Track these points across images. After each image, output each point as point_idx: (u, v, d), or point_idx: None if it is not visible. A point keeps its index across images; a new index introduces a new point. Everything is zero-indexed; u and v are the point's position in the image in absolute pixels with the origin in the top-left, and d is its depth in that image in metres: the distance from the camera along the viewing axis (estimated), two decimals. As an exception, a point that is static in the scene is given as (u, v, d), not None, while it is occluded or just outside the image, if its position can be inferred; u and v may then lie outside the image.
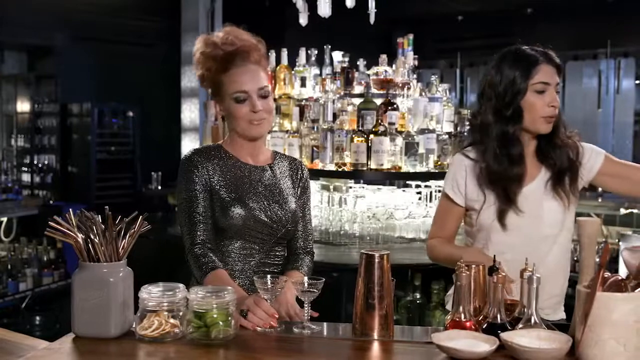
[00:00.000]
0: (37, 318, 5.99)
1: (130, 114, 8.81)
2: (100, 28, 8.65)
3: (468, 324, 1.81)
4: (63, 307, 6.05)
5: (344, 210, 3.94)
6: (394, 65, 4.16)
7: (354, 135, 3.76)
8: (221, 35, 2.25)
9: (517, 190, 2.25)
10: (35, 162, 8.61)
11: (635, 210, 5.94)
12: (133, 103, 8.78)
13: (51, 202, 7.91)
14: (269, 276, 1.97)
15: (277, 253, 2.36)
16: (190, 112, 7.80)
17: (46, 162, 8.62)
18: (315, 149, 3.93)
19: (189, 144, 7.71)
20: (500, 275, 1.79)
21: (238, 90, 2.22)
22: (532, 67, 2.21)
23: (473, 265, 1.92)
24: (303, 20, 4.67)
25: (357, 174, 3.80)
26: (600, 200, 6.47)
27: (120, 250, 1.84)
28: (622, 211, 5.99)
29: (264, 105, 2.24)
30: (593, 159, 2.32)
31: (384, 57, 4.10)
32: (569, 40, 10.39)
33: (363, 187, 4.15)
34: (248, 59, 2.24)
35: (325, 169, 3.85)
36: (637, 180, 2.31)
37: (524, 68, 2.21)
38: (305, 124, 4.03)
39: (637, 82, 10.40)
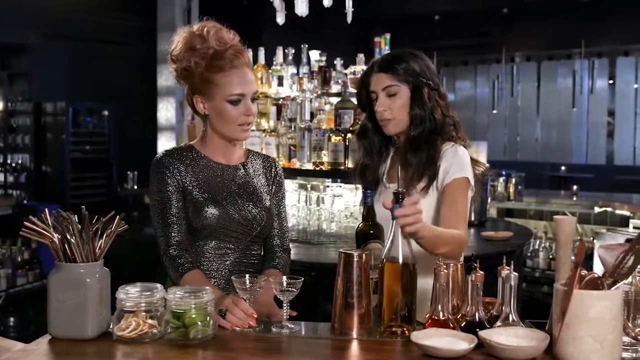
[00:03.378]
0: (11, 319, 5.93)
1: (105, 112, 8.74)
2: (74, 26, 8.58)
3: (447, 322, 1.82)
4: (38, 307, 5.99)
5: (322, 209, 3.93)
6: (371, 65, 4.15)
7: (331, 134, 3.76)
8: (207, 30, 2.19)
9: (369, 179, 2.40)
10: (9, 161, 8.52)
11: (609, 209, 6.01)
12: (108, 102, 8.72)
13: (25, 201, 7.84)
14: (247, 276, 1.96)
15: (252, 252, 2.34)
16: (166, 111, 7.75)
17: (20, 162, 8.54)
18: (292, 147, 3.93)
19: (165, 143, 7.66)
20: (478, 274, 1.80)
21: (235, 93, 2.19)
22: (367, 77, 2.35)
23: (451, 264, 1.93)
24: (280, 19, 4.66)
25: (335, 173, 3.79)
26: (574, 198, 6.55)
27: (97, 250, 1.82)
28: (597, 209, 6.06)
29: (254, 109, 2.24)
30: (451, 171, 2.24)
31: (361, 57, 4.10)
32: (543, 41, 10.51)
33: (340, 186, 4.14)
34: (242, 60, 2.22)
35: (302, 168, 3.85)
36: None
37: (363, 78, 2.38)
38: (283, 122, 4.02)
39: (610, 82, 10.55)
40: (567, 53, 10.65)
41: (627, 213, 5.88)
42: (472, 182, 2.27)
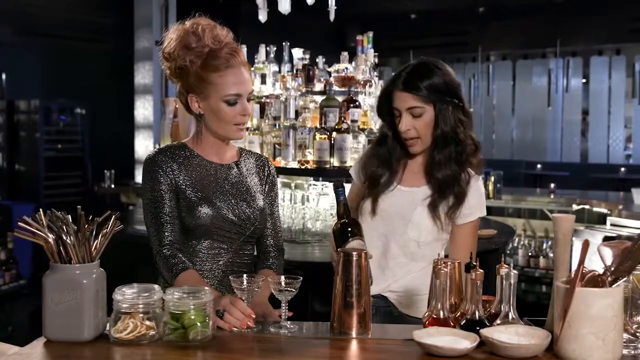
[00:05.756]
0: (-11, 320, 5.84)
1: (80, 111, 8.63)
2: (48, 23, 8.46)
3: (447, 320, 1.81)
4: (14, 309, 5.91)
5: (307, 208, 3.92)
6: (353, 63, 4.15)
7: (316, 133, 3.74)
8: (202, 28, 2.16)
9: (380, 190, 2.37)
10: (-19, 160, 8.38)
11: (587, 207, 6.07)
12: (83, 100, 8.61)
13: (-2, 200, 7.71)
14: (244, 275, 1.94)
15: (246, 252, 2.32)
16: (143, 109, 7.68)
17: (-8, 161, 8.40)
18: (277, 146, 3.90)
19: (142, 142, 7.59)
20: (478, 272, 1.80)
21: (232, 93, 2.16)
22: (390, 90, 2.32)
23: (449, 262, 1.93)
24: (262, 16, 4.61)
25: (321, 172, 3.78)
26: (552, 196, 6.60)
27: (92, 251, 1.78)
28: (575, 207, 6.12)
29: (249, 109, 2.23)
30: (473, 209, 2.34)
31: (345, 55, 4.10)
32: (519, 39, 10.61)
33: (324, 185, 4.13)
34: (239, 59, 2.18)
35: (288, 166, 3.82)
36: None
37: (386, 92, 2.35)
38: (267, 121, 3.99)
39: (584, 81, 10.67)
40: (542, 52, 10.76)
41: (604, 210, 5.94)
42: None
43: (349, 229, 2.10)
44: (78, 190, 8.58)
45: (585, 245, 1.62)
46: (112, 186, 7.09)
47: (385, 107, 2.36)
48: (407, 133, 2.28)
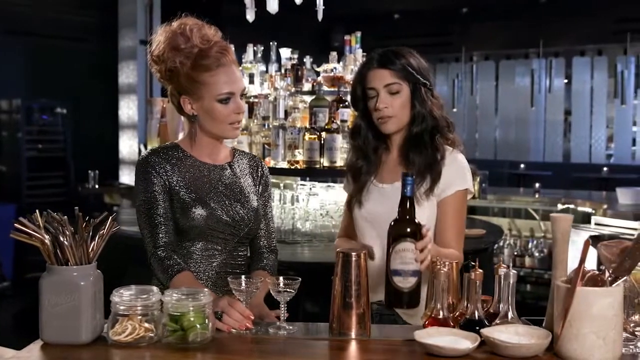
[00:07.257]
0: (-27, 323, 5.77)
1: (63, 110, 8.55)
2: (31, 22, 8.37)
3: (447, 321, 1.81)
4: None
5: (296, 208, 3.91)
6: (341, 62, 4.15)
7: (306, 133, 3.74)
8: (189, 28, 2.14)
9: (362, 184, 2.34)
10: (-37, 160, 8.28)
11: (571, 206, 6.11)
12: (66, 100, 8.53)
13: (-21, 201, 7.62)
14: (243, 277, 1.93)
15: (239, 253, 2.31)
16: (128, 109, 7.62)
17: (-26, 161, 8.30)
18: (266, 146, 3.89)
19: (127, 142, 7.54)
20: (477, 272, 1.80)
21: (224, 92, 2.15)
22: (364, 72, 2.30)
23: (447, 262, 1.93)
24: (250, 16, 4.59)
25: (311, 172, 3.77)
26: (537, 196, 6.63)
27: (90, 252, 1.76)
28: (560, 207, 6.15)
29: (243, 106, 2.22)
30: (454, 182, 2.25)
31: (334, 55, 4.10)
32: (502, 40, 10.66)
33: (313, 185, 4.12)
34: (229, 57, 2.17)
35: (277, 166, 3.81)
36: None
37: (360, 75, 2.33)
38: (255, 121, 3.98)
39: (566, 81, 10.74)
40: (524, 52, 10.82)
41: (589, 210, 5.98)
42: (471, 188, 2.30)
43: (408, 230, 1.87)
44: (61, 190, 8.49)
45: (587, 244, 1.63)
46: (96, 187, 7.05)
47: (360, 91, 2.31)
48: (384, 111, 2.24)
